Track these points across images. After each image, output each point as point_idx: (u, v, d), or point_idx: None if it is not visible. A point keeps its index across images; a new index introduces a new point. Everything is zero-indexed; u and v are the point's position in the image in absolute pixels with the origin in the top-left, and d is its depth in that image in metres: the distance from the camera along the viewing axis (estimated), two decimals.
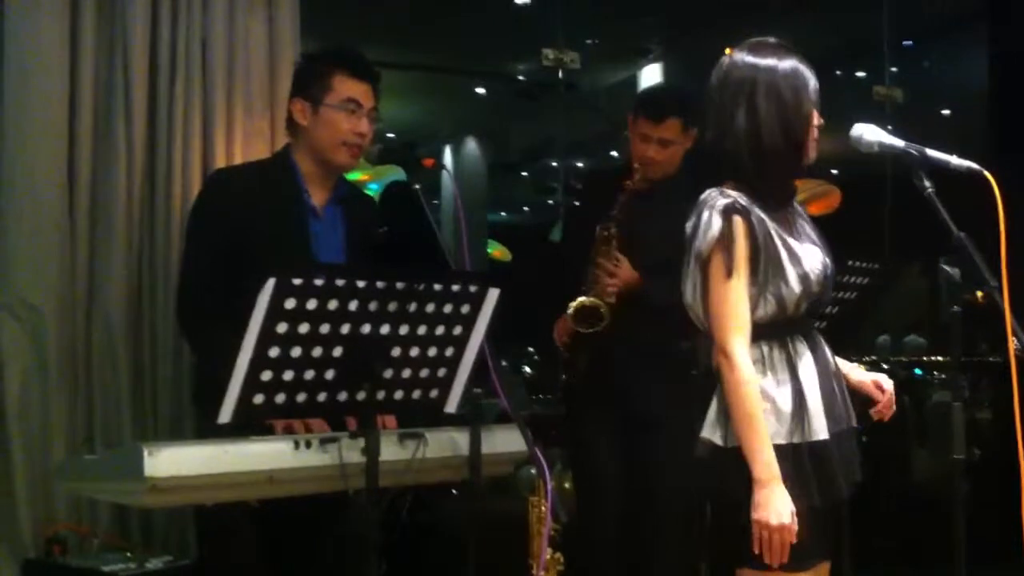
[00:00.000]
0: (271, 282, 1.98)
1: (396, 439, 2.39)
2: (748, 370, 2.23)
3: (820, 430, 2.27)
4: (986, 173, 2.21)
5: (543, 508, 2.33)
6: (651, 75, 9.83)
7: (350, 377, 2.16)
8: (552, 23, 5.64)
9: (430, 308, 2.19)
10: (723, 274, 2.24)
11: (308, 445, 2.30)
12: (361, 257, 2.89)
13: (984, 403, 6.60)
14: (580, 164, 10.90)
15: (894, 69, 6.38)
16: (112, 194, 3.28)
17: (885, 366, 6.51)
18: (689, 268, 2.32)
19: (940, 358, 7.67)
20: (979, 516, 2.55)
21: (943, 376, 7.69)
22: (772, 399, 2.25)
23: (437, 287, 2.19)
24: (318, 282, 2.03)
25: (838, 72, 8.54)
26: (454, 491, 3.89)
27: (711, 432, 2.29)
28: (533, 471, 2.37)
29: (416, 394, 2.28)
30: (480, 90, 10.32)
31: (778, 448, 2.21)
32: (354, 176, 4.14)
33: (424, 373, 2.26)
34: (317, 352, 2.09)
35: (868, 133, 2.38)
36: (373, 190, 5.45)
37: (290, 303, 2.01)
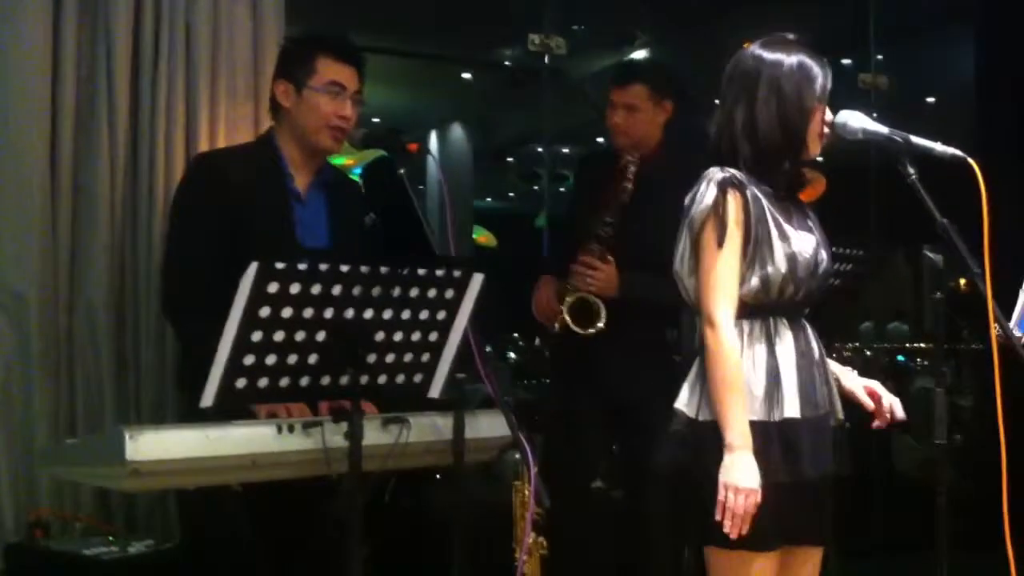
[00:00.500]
0: (254, 266, 1.98)
1: (379, 424, 2.39)
2: (732, 338, 2.25)
3: (791, 408, 2.27)
4: (970, 160, 2.22)
5: (527, 492, 2.33)
6: None
7: (334, 362, 2.16)
8: (538, 8, 5.63)
9: (414, 293, 2.19)
10: (714, 244, 2.26)
11: (291, 429, 2.30)
12: (346, 243, 2.88)
13: (966, 390, 6.64)
14: (566, 151, 10.88)
15: (880, 57, 6.38)
16: (95, 181, 3.25)
17: (868, 352, 6.55)
18: (681, 236, 2.34)
19: (923, 345, 7.71)
20: (959, 502, 2.56)
21: (926, 363, 7.74)
22: (747, 375, 2.26)
23: (421, 272, 2.19)
24: (301, 266, 2.03)
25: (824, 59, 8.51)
26: (438, 476, 3.89)
27: (685, 404, 2.30)
28: (517, 456, 2.37)
29: (400, 379, 2.28)
30: (466, 75, 10.30)
31: (750, 425, 2.22)
32: (339, 161, 4.12)
33: (408, 358, 2.26)
34: (300, 336, 2.09)
35: (853, 120, 2.38)
36: (357, 175, 5.43)
37: (273, 287, 2.01)
